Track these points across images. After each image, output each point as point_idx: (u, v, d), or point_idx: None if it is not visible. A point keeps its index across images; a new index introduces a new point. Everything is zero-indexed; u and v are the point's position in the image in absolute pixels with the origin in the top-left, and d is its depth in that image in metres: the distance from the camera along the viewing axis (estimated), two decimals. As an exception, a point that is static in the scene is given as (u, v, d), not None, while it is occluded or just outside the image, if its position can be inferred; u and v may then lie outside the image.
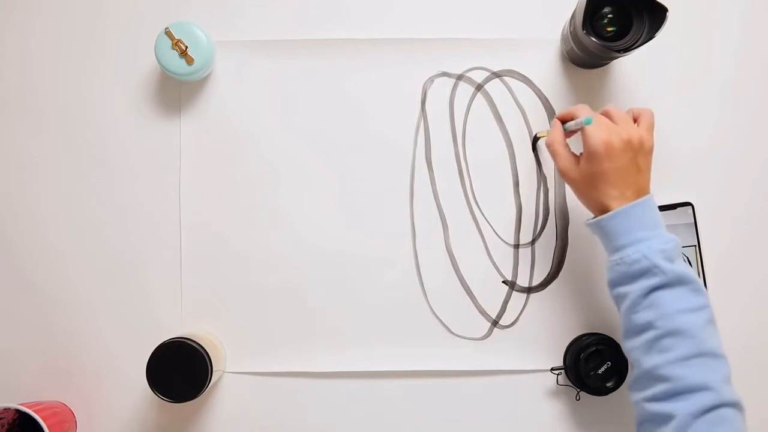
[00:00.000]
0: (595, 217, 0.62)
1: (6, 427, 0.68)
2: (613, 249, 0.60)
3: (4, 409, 0.65)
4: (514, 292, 0.74)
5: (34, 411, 0.64)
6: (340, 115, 0.75)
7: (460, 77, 0.75)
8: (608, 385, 0.68)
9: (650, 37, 0.64)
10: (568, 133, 0.66)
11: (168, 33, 0.71)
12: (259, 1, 0.75)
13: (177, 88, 0.75)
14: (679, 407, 0.52)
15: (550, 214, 0.74)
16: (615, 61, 0.74)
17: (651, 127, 0.62)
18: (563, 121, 0.66)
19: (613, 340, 0.70)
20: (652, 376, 0.55)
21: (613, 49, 0.66)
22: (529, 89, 0.75)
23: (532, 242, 0.74)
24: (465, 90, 0.75)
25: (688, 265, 0.60)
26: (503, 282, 0.74)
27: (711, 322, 0.57)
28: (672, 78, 0.75)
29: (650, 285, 0.56)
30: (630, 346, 0.58)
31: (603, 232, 0.61)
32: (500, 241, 0.74)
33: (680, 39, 0.74)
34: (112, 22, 0.75)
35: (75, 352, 0.73)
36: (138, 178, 0.74)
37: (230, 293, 0.74)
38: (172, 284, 0.74)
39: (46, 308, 0.74)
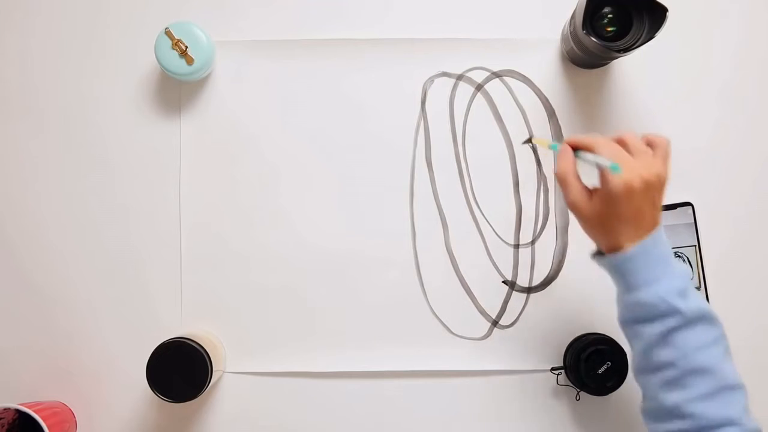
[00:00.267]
0: (602, 253, 0.58)
1: (6, 427, 0.68)
2: (626, 287, 0.56)
3: (4, 409, 0.65)
4: (514, 292, 0.74)
5: (34, 411, 0.64)
6: (340, 115, 0.75)
7: (460, 77, 0.75)
8: (608, 385, 0.68)
9: (650, 37, 0.64)
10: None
11: (168, 33, 0.71)
12: (259, 1, 0.75)
13: (177, 88, 0.75)
14: None
15: (550, 214, 0.74)
16: (615, 61, 0.74)
17: (667, 158, 0.58)
18: (574, 148, 0.59)
19: (613, 340, 0.70)
20: (674, 413, 0.53)
21: (613, 49, 0.66)
22: (529, 89, 0.75)
23: (532, 242, 0.74)
24: (465, 90, 0.75)
25: (695, 290, 0.57)
26: (503, 282, 0.74)
27: (727, 351, 0.55)
28: (672, 78, 0.75)
29: (668, 327, 0.54)
30: (645, 381, 0.57)
31: (614, 271, 0.57)
32: (500, 241, 0.74)
33: (680, 39, 0.74)
34: (112, 22, 0.75)
35: (75, 352, 0.73)
36: (138, 178, 0.75)
37: (230, 293, 0.74)
38: (172, 284, 0.74)
39: (46, 308, 0.74)
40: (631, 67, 0.74)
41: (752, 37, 0.75)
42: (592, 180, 0.58)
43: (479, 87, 0.75)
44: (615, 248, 0.57)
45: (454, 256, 0.74)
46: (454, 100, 0.75)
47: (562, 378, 0.72)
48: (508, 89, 0.75)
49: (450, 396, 0.73)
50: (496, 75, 0.75)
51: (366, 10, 0.75)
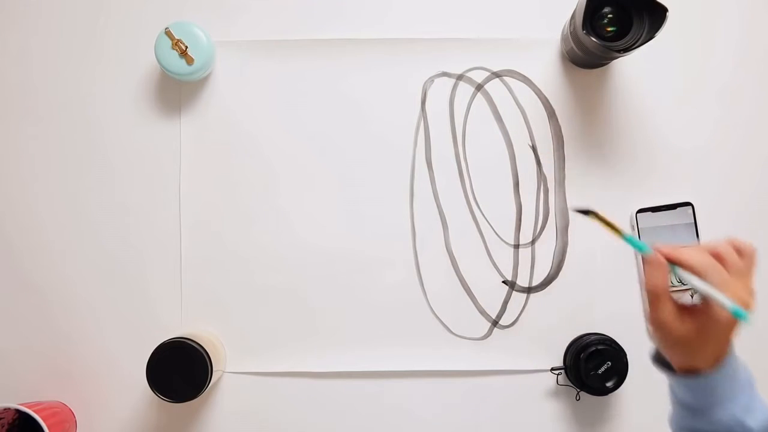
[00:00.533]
0: (665, 363, 0.53)
1: (6, 427, 0.68)
2: (695, 403, 0.51)
3: (4, 409, 0.65)
4: (514, 292, 0.74)
5: (34, 411, 0.64)
6: (340, 115, 0.75)
7: (460, 77, 0.75)
8: (608, 385, 0.68)
9: (650, 37, 0.64)
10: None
11: (168, 33, 0.71)
12: (260, 2, 0.75)
13: (177, 88, 0.75)
14: None
15: (550, 214, 0.74)
16: (615, 61, 0.74)
17: (754, 269, 0.52)
18: (669, 260, 0.52)
19: (613, 340, 0.70)
20: None
21: (613, 49, 0.66)
22: (529, 89, 0.75)
23: (532, 242, 0.74)
24: (465, 90, 0.75)
25: (758, 397, 0.52)
26: (503, 282, 0.74)
27: None
28: (672, 78, 0.75)
29: None
30: None
31: (686, 388, 0.52)
32: (500, 241, 0.74)
33: (680, 39, 0.74)
34: (112, 23, 0.75)
35: (75, 352, 0.73)
36: (138, 178, 0.75)
37: (230, 293, 0.74)
38: (172, 284, 0.74)
39: (46, 308, 0.74)
40: (631, 67, 0.74)
41: (752, 37, 0.75)
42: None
43: (479, 87, 0.75)
44: (691, 369, 0.51)
45: (454, 256, 0.74)
46: (454, 100, 0.75)
47: (562, 378, 0.72)
48: (508, 89, 0.75)
49: (450, 396, 0.73)
50: (496, 75, 0.75)
51: (366, 10, 0.75)
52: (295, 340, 0.73)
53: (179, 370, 0.65)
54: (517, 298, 0.74)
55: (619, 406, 0.72)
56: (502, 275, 0.74)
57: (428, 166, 0.75)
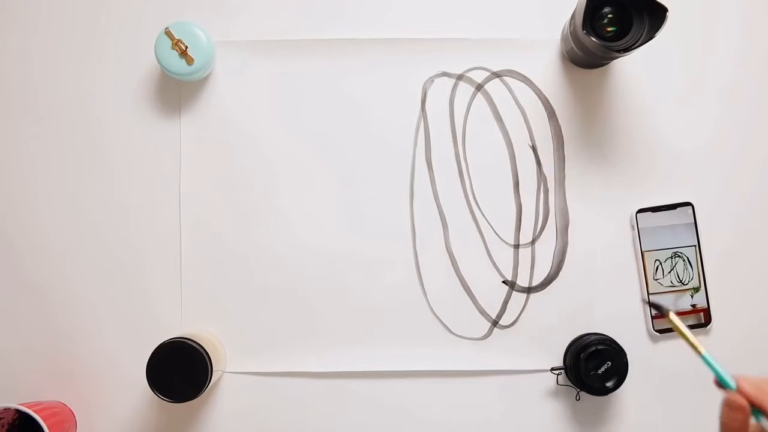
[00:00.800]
0: None
1: (6, 427, 0.68)
2: None
3: (4, 409, 0.65)
4: (514, 292, 0.74)
5: (34, 411, 0.64)
6: (340, 115, 0.75)
7: (460, 77, 0.75)
8: (608, 385, 0.68)
9: (650, 37, 0.64)
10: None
11: (168, 33, 0.71)
12: (260, 2, 0.75)
13: (177, 88, 0.75)
14: None
15: (550, 214, 0.74)
16: (615, 61, 0.74)
17: None
18: (753, 404, 0.48)
19: (613, 340, 0.70)
20: None
21: (613, 49, 0.66)
22: (529, 89, 0.75)
23: (532, 242, 0.74)
24: (465, 90, 0.75)
25: None
26: (503, 282, 0.74)
27: None
28: (672, 78, 0.75)
29: None
30: None
31: None
32: (500, 241, 0.74)
33: (680, 39, 0.74)
34: (112, 22, 0.75)
35: (75, 352, 0.73)
36: (138, 178, 0.75)
37: (230, 293, 0.74)
38: (172, 284, 0.74)
39: (46, 308, 0.74)
40: (631, 67, 0.74)
41: (752, 37, 0.75)
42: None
43: (479, 87, 0.75)
44: None
45: (454, 256, 0.74)
46: (454, 100, 0.75)
47: (562, 378, 0.72)
48: (508, 89, 0.75)
49: (450, 396, 0.73)
50: (496, 75, 0.75)
51: (366, 10, 0.75)
52: (295, 340, 0.73)
53: (179, 370, 0.65)
54: (517, 298, 0.74)
55: (619, 406, 0.72)
56: (502, 275, 0.74)
57: (428, 166, 0.75)
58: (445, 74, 0.75)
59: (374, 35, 0.75)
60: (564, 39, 0.73)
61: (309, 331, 0.73)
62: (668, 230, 0.73)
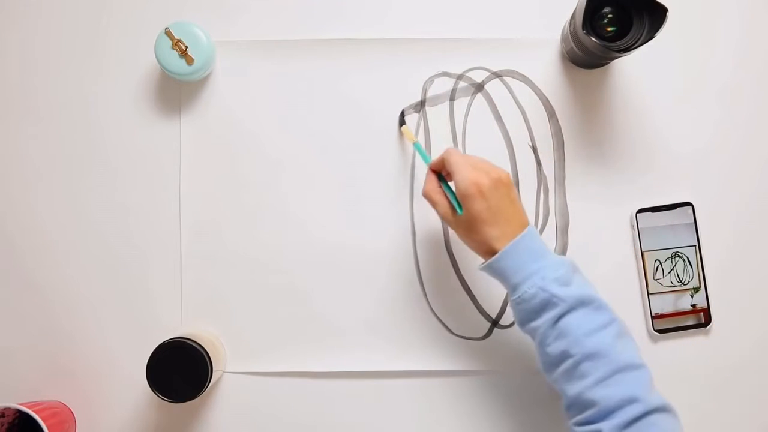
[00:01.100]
0: (485, 262, 0.61)
1: (6, 426, 0.68)
2: (511, 288, 0.60)
3: (4, 408, 0.65)
4: (514, 292, 0.74)
5: (34, 411, 0.64)
6: (340, 115, 0.75)
7: (460, 77, 0.75)
8: (608, 385, 0.68)
9: (650, 37, 0.64)
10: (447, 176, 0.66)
11: (168, 33, 0.71)
12: (260, 2, 0.75)
13: (177, 88, 0.75)
14: (606, 424, 0.52)
15: (550, 214, 0.74)
16: (615, 61, 0.74)
17: (479, 163, 0.62)
18: (435, 171, 0.65)
19: (613, 340, 0.70)
20: (580, 403, 0.55)
21: (613, 49, 0.66)
22: (529, 89, 0.75)
23: (532, 242, 0.74)
24: (465, 90, 0.75)
25: (585, 280, 0.60)
26: (503, 282, 0.74)
27: (620, 335, 0.57)
28: (672, 78, 0.75)
29: (554, 315, 0.56)
30: (552, 378, 0.59)
31: (496, 273, 0.61)
32: (500, 241, 0.74)
33: (680, 39, 0.74)
34: (113, 22, 0.75)
35: (75, 351, 0.73)
36: (138, 177, 0.75)
37: (230, 293, 0.74)
38: (172, 284, 0.74)
39: (47, 308, 0.74)
40: (631, 67, 0.74)
41: (752, 37, 0.75)
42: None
43: (479, 87, 0.75)
44: (491, 252, 0.60)
45: (454, 256, 0.74)
46: (454, 100, 0.75)
47: (562, 378, 0.72)
48: (508, 89, 0.75)
49: (450, 396, 0.73)
50: (496, 75, 0.75)
51: (366, 10, 0.75)
52: (295, 340, 0.73)
53: (179, 370, 0.65)
54: (517, 298, 0.74)
55: (619, 406, 0.72)
56: (502, 275, 0.74)
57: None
58: (445, 74, 0.75)
59: (374, 35, 0.75)
60: (564, 39, 0.73)
61: (309, 331, 0.73)
62: (668, 230, 0.73)
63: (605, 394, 0.54)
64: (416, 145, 0.70)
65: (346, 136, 0.75)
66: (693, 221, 0.73)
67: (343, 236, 0.74)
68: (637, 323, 0.73)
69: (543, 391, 0.73)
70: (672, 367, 0.72)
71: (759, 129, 0.74)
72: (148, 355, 0.65)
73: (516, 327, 0.73)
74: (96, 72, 0.75)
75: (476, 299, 0.74)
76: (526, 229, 0.60)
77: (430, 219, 0.74)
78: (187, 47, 0.71)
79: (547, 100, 0.75)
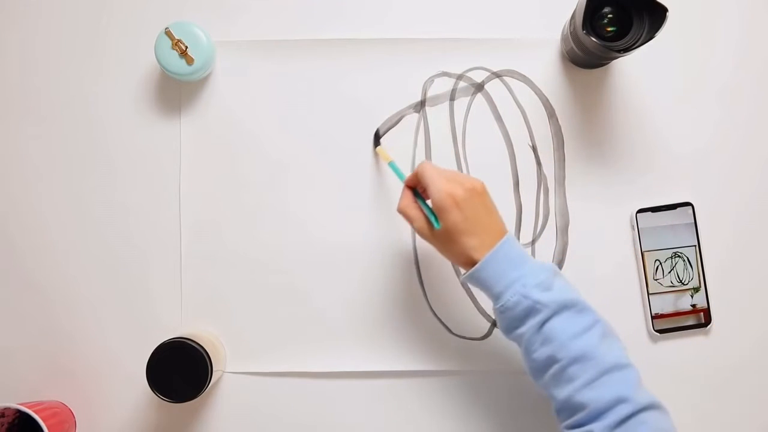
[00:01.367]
0: (466, 272, 0.61)
1: (6, 426, 0.68)
2: (494, 297, 0.60)
3: (4, 408, 0.65)
4: (514, 292, 0.74)
5: (34, 411, 0.64)
6: (340, 115, 0.75)
7: (460, 77, 0.75)
8: (608, 385, 0.68)
9: (650, 37, 0.64)
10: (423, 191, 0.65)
11: (168, 33, 0.71)
12: (260, 2, 0.75)
13: (177, 88, 0.75)
14: (596, 425, 0.53)
15: (550, 214, 0.74)
16: (615, 61, 0.74)
17: (453, 175, 0.62)
18: (411, 187, 0.65)
19: (613, 340, 0.70)
20: (570, 406, 0.55)
21: (613, 49, 0.66)
22: (529, 89, 0.75)
23: (533, 242, 0.74)
24: (465, 90, 0.75)
25: (567, 283, 0.60)
26: (503, 282, 0.74)
27: (605, 335, 0.57)
28: (672, 78, 0.75)
29: (538, 321, 0.57)
30: (541, 384, 0.59)
31: (478, 283, 0.60)
32: (500, 241, 0.74)
33: (680, 39, 0.74)
34: (113, 22, 0.75)
35: (75, 351, 0.73)
36: (138, 178, 0.75)
37: (230, 293, 0.74)
38: (172, 284, 0.74)
39: (47, 308, 0.74)
40: (631, 67, 0.74)
41: (752, 37, 0.75)
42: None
43: (479, 87, 0.75)
44: (471, 263, 0.60)
45: (454, 256, 0.74)
46: (454, 100, 0.75)
47: (562, 378, 0.72)
48: (508, 89, 0.75)
49: (450, 396, 0.73)
50: (496, 75, 0.75)
51: (366, 10, 0.75)
52: (295, 340, 0.73)
53: (179, 370, 0.65)
54: (517, 298, 0.73)
55: (619, 406, 0.72)
56: (502, 275, 0.74)
57: (428, 166, 0.75)
58: (445, 74, 0.75)
59: (374, 35, 0.75)
60: (564, 39, 0.73)
61: (309, 331, 0.73)
62: (668, 230, 0.73)
63: (594, 396, 0.54)
64: (391, 164, 0.69)
65: (346, 136, 0.75)
66: (693, 221, 0.73)
67: (343, 236, 0.74)
68: (637, 323, 0.73)
69: (542, 391, 0.72)
70: (672, 367, 0.72)
71: (759, 129, 0.74)
72: (148, 355, 0.65)
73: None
74: (96, 72, 0.75)
75: (476, 299, 0.74)
76: (504, 237, 0.60)
77: (430, 219, 0.74)
78: (187, 47, 0.71)
79: (547, 100, 0.75)
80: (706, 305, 0.72)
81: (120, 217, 0.74)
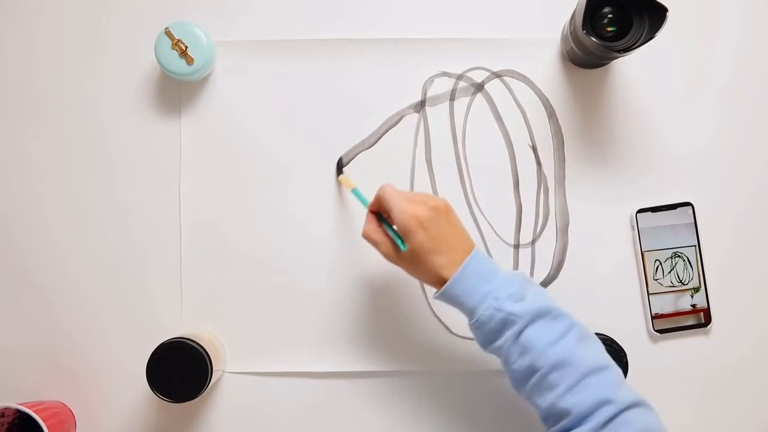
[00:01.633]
0: (437, 291, 0.60)
1: (6, 426, 0.68)
2: (467, 313, 0.59)
3: (4, 408, 0.65)
4: (514, 292, 0.74)
5: (34, 411, 0.64)
6: (340, 115, 0.75)
7: (460, 77, 0.75)
8: (608, 385, 0.68)
9: (650, 37, 0.64)
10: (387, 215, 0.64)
11: (168, 33, 0.71)
12: (260, 2, 0.75)
13: (177, 88, 0.75)
14: (581, 429, 0.53)
15: (550, 214, 0.74)
16: (615, 61, 0.74)
17: (415, 196, 0.61)
18: (374, 212, 0.64)
19: (613, 340, 0.70)
20: (554, 413, 0.55)
21: (613, 49, 0.66)
22: (529, 89, 0.75)
23: (533, 242, 0.74)
24: (465, 90, 0.75)
25: (539, 290, 0.60)
26: (503, 282, 0.74)
27: (581, 339, 0.57)
28: (672, 78, 0.75)
29: (514, 332, 0.56)
30: (524, 394, 0.59)
31: (450, 300, 0.60)
32: (500, 241, 0.74)
33: (680, 39, 0.74)
34: (113, 22, 0.75)
35: (75, 351, 0.73)
36: (138, 177, 0.75)
37: (230, 293, 0.74)
38: (172, 284, 0.74)
39: (47, 308, 0.74)
40: (631, 67, 0.74)
41: (752, 37, 0.75)
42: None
43: (479, 87, 0.75)
44: (441, 281, 0.59)
45: (454, 256, 0.74)
46: (454, 100, 0.75)
47: (562, 378, 0.72)
48: (508, 89, 0.75)
49: (450, 396, 0.73)
50: (496, 75, 0.75)
51: (366, 10, 0.75)
52: (295, 340, 0.73)
53: (179, 370, 0.65)
54: (517, 298, 0.73)
55: (619, 406, 0.72)
56: (502, 275, 0.74)
57: (428, 166, 0.75)
58: (445, 74, 0.75)
59: (374, 35, 0.75)
60: (564, 39, 0.73)
61: (309, 331, 0.73)
62: (668, 230, 0.73)
63: (576, 401, 0.54)
64: (355, 191, 0.68)
65: (346, 136, 0.75)
66: (693, 221, 0.73)
67: (342, 236, 0.74)
68: (637, 323, 0.73)
69: (527, 401, 0.72)
70: (672, 367, 0.72)
71: (759, 129, 0.74)
72: (148, 355, 0.65)
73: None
74: (96, 72, 0.75)
75: (476, 299, 0.74)
76: (472, 252, 0.59)
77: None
78: (187, 47, 0.71)
79: (547, 100, 0.75)
80: (706, 305, 0.72)
81: (120, 217, 0.74)
